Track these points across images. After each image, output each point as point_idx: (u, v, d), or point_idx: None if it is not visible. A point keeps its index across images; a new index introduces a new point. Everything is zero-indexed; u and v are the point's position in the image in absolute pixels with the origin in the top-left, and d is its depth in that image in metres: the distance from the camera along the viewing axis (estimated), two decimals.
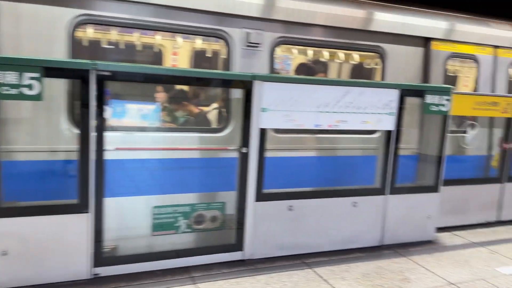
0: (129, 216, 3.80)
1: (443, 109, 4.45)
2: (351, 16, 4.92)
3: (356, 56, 5.57)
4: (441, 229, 4.94)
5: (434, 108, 4.42)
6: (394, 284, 3.65)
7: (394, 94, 4.19)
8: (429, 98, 4.37)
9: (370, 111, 4.11)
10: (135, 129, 4.12)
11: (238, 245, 3.86)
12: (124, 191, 3.77)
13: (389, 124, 4.24)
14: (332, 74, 6.23)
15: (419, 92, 4.37)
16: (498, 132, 5.51)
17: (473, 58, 5.68)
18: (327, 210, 4.14)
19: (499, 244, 4.71)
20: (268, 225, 3.91)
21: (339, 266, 3.94)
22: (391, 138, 4.29)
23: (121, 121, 4.18)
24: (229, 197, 3.91)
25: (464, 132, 5.50)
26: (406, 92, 4.25)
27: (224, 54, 4.40)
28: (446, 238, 4.82)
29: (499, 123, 5.44)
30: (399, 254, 4.31)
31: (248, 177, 3.77)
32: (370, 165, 4.57)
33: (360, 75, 5.91)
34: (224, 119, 4.38)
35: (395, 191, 4.39)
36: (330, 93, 3.91)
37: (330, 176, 4.58)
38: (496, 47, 5.75)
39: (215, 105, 4.95)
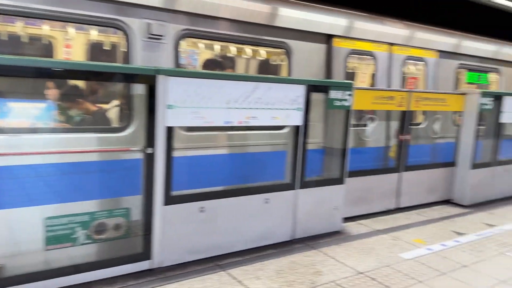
0: (16, 230, 3.32)
1: (346, 104, 4.60)
2: (257, 10, 4.86)
3: (263, 52, 5.55)
4: (347, 219, 5.14)
5: (338, 103, 4.55)
6: (307, 279, 3.67)
7: (301, 90, 4.22)
8: (333, 94, 4.49)
9: (278, 107, 4.08)
10: (21, 131, 3.60)
11: (145, 254, 3.58)
12: (7, 202, 3.27)
13: (297, 119, 4.25)
14: (240, 70, 6.15)
15: (324, 88, 4.46)
16: (394, 125, 5.89)
17: (370, 55, 5.99)
18: (239, 208, 4.04)
19: (400, 230, 5.03)
20: (178, 229, 3.69)
21: (253, 265, 3.86)
22: (300, 133, 4.32)
23: (4, 121, 3.64)
24: (134, 202, 3.61)
25: (365, 125, 5.79)
26: (312, 87, 4.30)
27: (124, 46, 4.06)
28: (352, 227, 5.02)
29: (396, 116, 5.81)
30: (310, 247, 4.37)
31: (155, 180, 3.50)
32: (280, 160, 4.57)
33: (267, 71, 5.92)
34: (126, 118, 4.04)
35: (304, 185, 4.43)
36: (239, 89, 3.80)
37: (242, 174, 4.49)
38: (391, 44, 6.14)
39: (115, 102, 4.57)
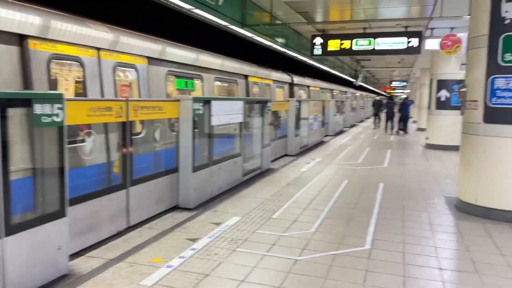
0: None
1: (58, 119, 3.76)
2: None
3: None
4: (73, 256, 4.32)
5: (47, 120, 3.67)
6: None
7: None
8: (39, 108, 3.58)
9: None
10: None
11: None
12: None
13: None
14: None
15: (24, 102, 3.49)
16: (114, 137, 5.36)
17: (77, 60, 5.24)
18: None
19: (135, 252, 4.58)
20: None
21: None
22: None
23: None
24: None
25: (82, 141, 5.03)
26: (6, 102, 3.27)
27: None
28: (82, 264, 4.23)
29: (114, 127, 5.29)
30: None
31: None
32: None
33: None
34: None
35: (12, 230, 3.36)
36: None
37: None
38: (99, 49, 5.55)
39: None
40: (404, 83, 42.74)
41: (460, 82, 14.85)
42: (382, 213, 6.41)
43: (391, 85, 50.85)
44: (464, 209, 6.54)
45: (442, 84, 15.04)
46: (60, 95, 3.80)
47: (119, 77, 6.21)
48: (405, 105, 20.79)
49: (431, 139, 15.55)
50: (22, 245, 3.46)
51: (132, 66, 6.31)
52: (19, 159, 3.73)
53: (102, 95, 5.57)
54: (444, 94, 15.03)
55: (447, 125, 15.07)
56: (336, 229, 5.57)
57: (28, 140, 3.81)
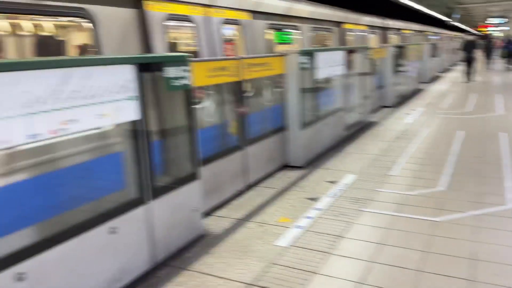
0: None
1: (186, 82, 3.69)
2: None
3: (48, 26, 4.07)
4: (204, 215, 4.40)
5: (177, 83, 3.60)
6: None
7: (131, 71, 3.10)
8: (170, 71, 3.51)
9: (105, 99, 2.90)
10: None
11: None
12: None
13: (132, 112, 3.15)
14: (11, 55, 4.44)
15: (157, 66, 3.44)
16: (227, 98, 5.24)
17: (189, 20, 5.12)
18: (77, 255, 2.79)
19: (260, 212, 4.54)
20: None
21: None
22: (139, 129, 3.24)
23: None
24: None
25: (200, 103, 4.99)
26: (144, 66, 3.23)
27: None
28: (213, 224, 4.28)
29: (226, 88, 5.14)
30: (178, 268, 3.46)
31: None
32: (113, 168, 3.43)
33: (60, 51, 4.45)
34: None
35: (156, 193, 3.43)
36: (43, 81, 2.46)
37: (68, 204, 3.14)
38: (208, 6, 5.38)
39: None
40: (505, 20, 38.16)
41: None
42: None
43: (486, 23, 45.73)
44: None
45: None
46: (184, 57, 3.70)
47: (226, 34, 6.05)
48: (511, 42, 22.56)
49: None
50: (165, 208, 3.53)
51: (236, 22, 6.09)
52: (153, 124, 3.75)
53: (213, 55, 5.45)
54: None
55: None
56: (467, 186, 5.09)
57: (160, 104, 3.80)
